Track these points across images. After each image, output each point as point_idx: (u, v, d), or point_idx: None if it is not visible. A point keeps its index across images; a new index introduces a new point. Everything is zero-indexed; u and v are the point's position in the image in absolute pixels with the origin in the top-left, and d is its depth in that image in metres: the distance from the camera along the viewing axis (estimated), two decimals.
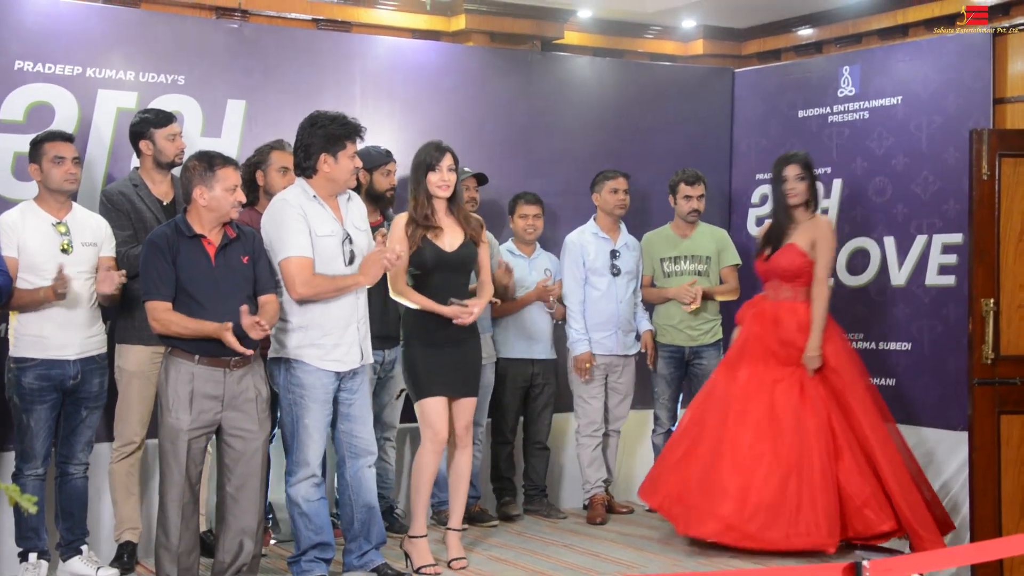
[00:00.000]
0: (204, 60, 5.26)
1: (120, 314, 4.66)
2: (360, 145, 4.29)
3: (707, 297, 5.63)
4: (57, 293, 4.18)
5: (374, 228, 4.54)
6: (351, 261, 4.23)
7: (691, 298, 5.51)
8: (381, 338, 4.76)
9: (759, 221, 6.29)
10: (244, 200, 4.10)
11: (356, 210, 4.37)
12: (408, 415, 5.08)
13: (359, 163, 4.26)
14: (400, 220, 4.47)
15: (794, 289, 4.83)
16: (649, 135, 6.36)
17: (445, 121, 5.78)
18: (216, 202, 4.04)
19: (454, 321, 4.40)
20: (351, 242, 4.24)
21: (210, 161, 4.07)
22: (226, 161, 4.08)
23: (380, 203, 5.08)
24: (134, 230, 4.63)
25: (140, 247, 4.44)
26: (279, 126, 5.24)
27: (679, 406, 5.81)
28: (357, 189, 4.60)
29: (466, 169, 5.34)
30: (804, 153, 5.11)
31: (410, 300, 4.46)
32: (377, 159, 5.10)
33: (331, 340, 4.20)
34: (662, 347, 5.71)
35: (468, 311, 4.41)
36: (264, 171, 4.90)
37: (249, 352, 4.02)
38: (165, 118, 4.76)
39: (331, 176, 4.19)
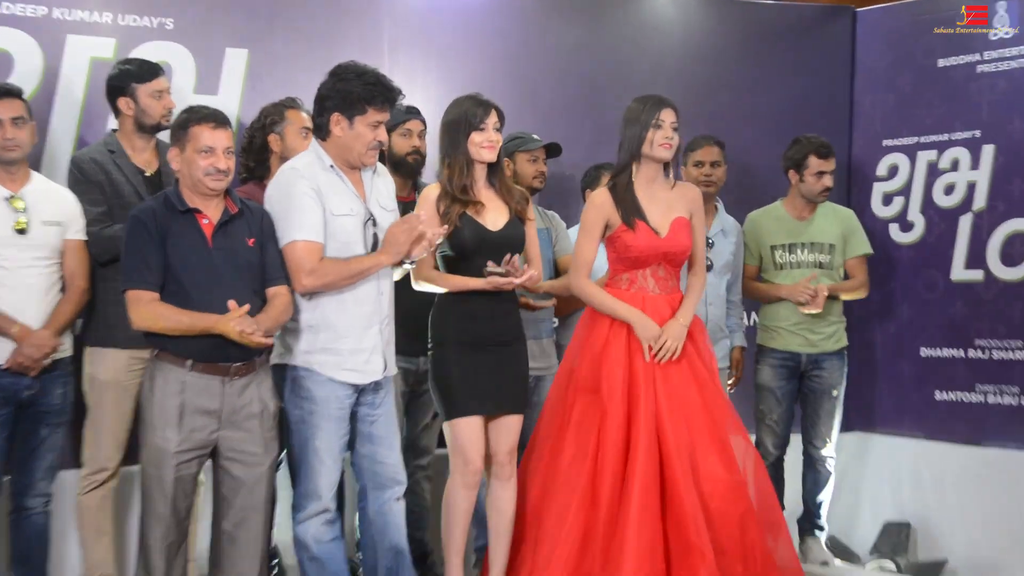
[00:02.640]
0: (198, 0, 5.32)
1: (91, 310, 4.66)
2: (386, 116, 4.26)
3: (831, 296, 5.62)
4: None
5: (404, 206, 4.56)
6: (375, 247, 4.24)
7: (810, 298, 5.49)
8: (414, 342, 4.77)
9: (886, 199, 6.31)
10: (223, 166, 4.07)
11: (383, 186, 4.39)
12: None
13: (383, 137, 4.23)
14: (431, 193, 4.47)
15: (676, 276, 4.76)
16: (748, 92, 6.37)
17: (491, 77, 5.83)
18: (187, 166, 4.06)
19: (491, 284, 4.34)
20: (375, 224, 4.25)
21: (186, 117, 4.09)
22: (203, 117, 4.08)
23: (402, 171, 5.05)
24: (109, 206, 4.65)
25: (116, 227, 4.53)
26: (289, 83, 5.29)
27: (789, 430, 5.80)
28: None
29: (535, 137, 5.37)
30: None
31: (436, 283, 4.45)
32: (394, 117, 4.98)
33: (347, 344, 4.21)
34: (770, 353, 5.72)
35: (515, 271, 4.34)
36: (281, 135, 4.93)
37: (266, 342, 4.01)
38: (150, 71, 4.79)
39: (343, 143, 4.20)
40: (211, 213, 4.10)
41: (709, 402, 4.55)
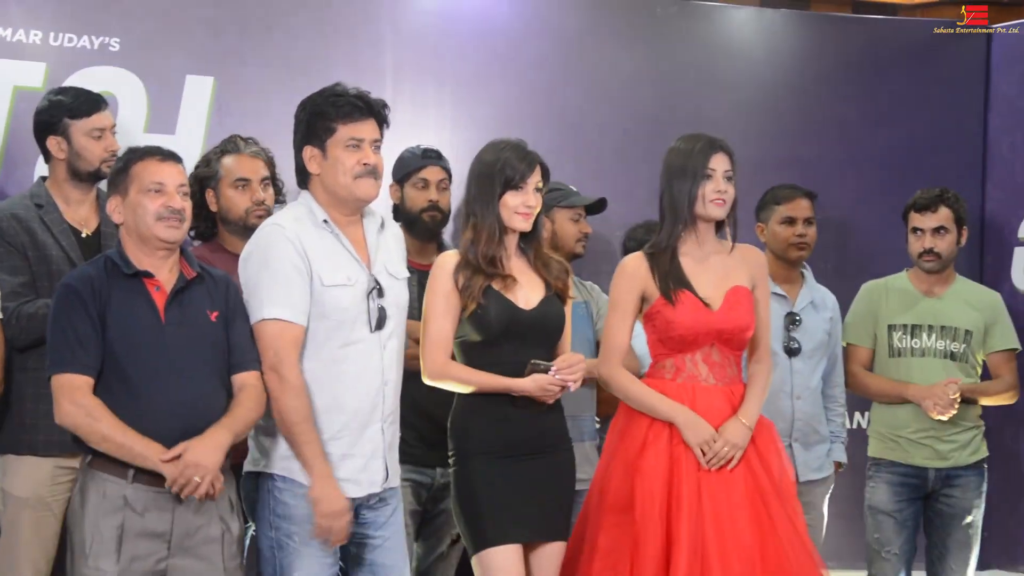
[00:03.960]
0: (150, 16, 5.38)
1: (4, 408, 4.65)
2: (372, 131, 4.25)
3: (967, 400, 5.58)
4: None
5: (421, 275, 4.59)
6: (380, 325, 4.23)
7: (948, 405, 5.48)
8: (429, 449, 4.77)
9: None
10: (176, 204, 4.06)
11: (393, 245, 4.41)
12: (467, 571, 4.80)
13: (371, 159, 4.21)
14: (446, 263, 4.49)
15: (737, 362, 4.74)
16: (848, 132, 6.39)
17: (521, 113, 5.89)
18: (132, 214, 4.06)
19: (538, 395, 4.35)
20: (380, 295, 4.25)
21: (126, 158, 4.11)
22: (146, 152, 4.11)
23: (416, 231, 5.07)
24: (32, 275, 4.65)
25: (39, 302, 4.52)
26: (266, 117, 5.34)
27: (911, 566, 5.71)
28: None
29: (573, 189, 5.39)
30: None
31: (459, 381, 4.43)
32: (408, 164, 5.17)
33: (339, 448, 4.19)
34: (888, 467, 5.68)
35: (568, 369, 4.35)
36: (215, 189, 4.96)
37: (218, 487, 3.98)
38: (88, 103, 4.80)
39: (325, 181, 4.23)
40: (164, 278, 4.08)
41: (777, 533, 4.47)
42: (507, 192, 4.43)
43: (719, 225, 4.61)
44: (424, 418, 4.66)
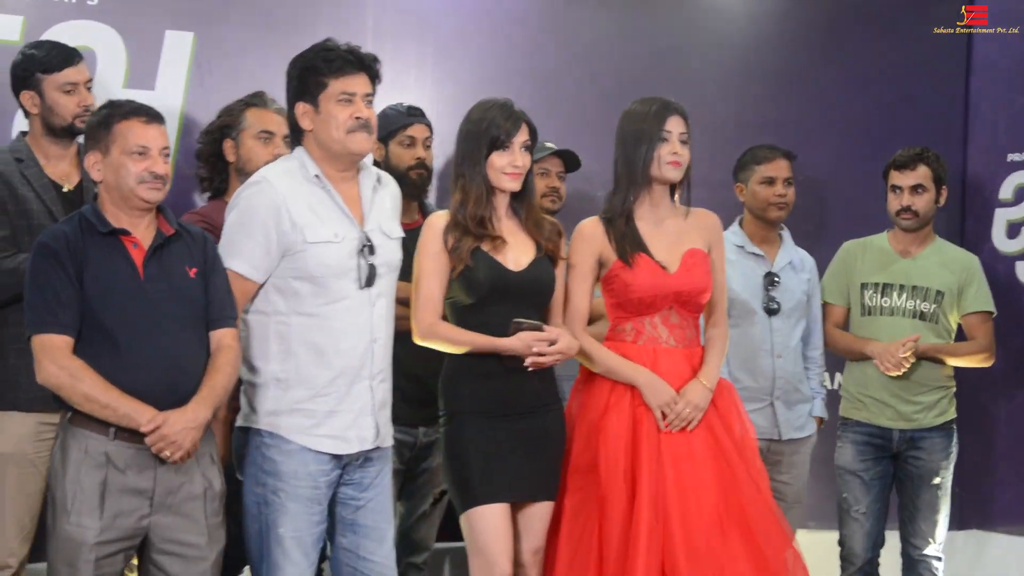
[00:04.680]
0: None
1: None
2: (364, 85, 4.26)
3: (933, 358, 5.64)
4: None
5: (408, 234, 4.57)
6: (369, 282, 4.24)
7: (897, 364, 5.55)
8: (412, 408, 4.83)
9: (1012, 229, 6.31)
10: (159, 170, 4.07)
11: (389, 202, 4.43)
12: (451, 530, 4.99)
13: (363, 112, 4.22)
14: (436, 223, 4.51)
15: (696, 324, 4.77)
16: (827, 93, 6.40)
17: (506, 70, 5.90)
18: (113, 174, 4.04)
19: (527, 362, 4.36)
20: (372, 252, 4.26)
21: (107, 113, 4.09)
22: (131, 111, 4.08)
23: (404, 189, 5.00)
24: (13, 229, 4.64)
25: (20, 256, 4.50)
26: (246, 74, 5.33)
27: (883, 525, 5.75)
28: None
29: (548, 145, 5.41)
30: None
31: (449, 341, 4.45)
32: (393, 121, 5.17)
33: (326, 404, 4.20)
34: (853, 427, 5.75)
35: (547, 337, 4.39)
36: (236, 140, 4.96)
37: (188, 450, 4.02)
38: (60, 57, 4.78)
39: (318, 137, 4.25)
40: (141, 235, 4.08)
41: (740, 492, 4.52)
42: (494, 152, 4.45)
43: (673, 190, 4.65)
44: (407, 378, 4.67)
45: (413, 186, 5.13)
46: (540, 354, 4.36)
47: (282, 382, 4.20)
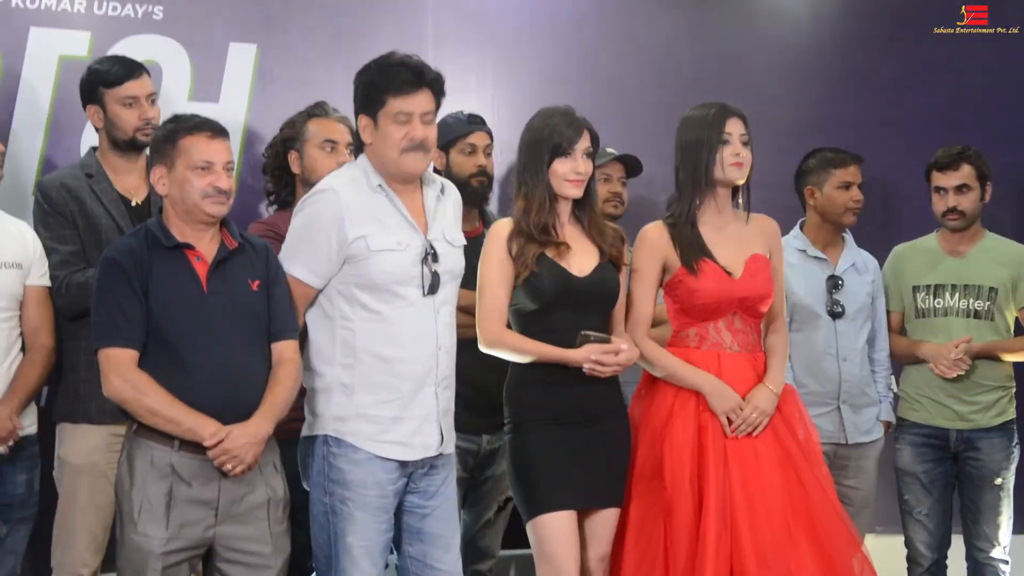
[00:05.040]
0: None
1: (58, 376, 4.71)
2: (423, 103, 4.24)
3: (989, 356, 5.59)
4: None
5: (470, 242, 4.58)
6: (432, 290, 4.26)
7: (950, 366, 5.53)
8: (475, 416, 4.86)
9: None
10: (223, 185, 4.09)
11: (452, 211, 4.44)
12: (516, 537, 5.04)
13: (420, 133, 4.21)
14: (500, 231, 4.51)
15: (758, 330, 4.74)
16: (890, 93, 6.35)
17: (566, 75, 5.90)
18: (178, 188, 4.07)
19: (586, 369, 4.38)
20: (435, 260, 4.28)
21: (172, 127, 4.12)
22: (196, 125, 4.11)
23: (465, 197, 4.98)
24: (82, 244, 4.69)
25: (89, 271, 4.53)
26: (308, 85, 5.37)
27: (948, 527, 5.71)
28: None
29: (609, 150, 5.43)
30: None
31: (514, 350, 4.46)
32: (454, 129, 5.17)
33: (391, 410, 4.22)
34: (912, 428, 5.71)
35: (613, 349, 4.39)
36: (300, 151, 4.97)
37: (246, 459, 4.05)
38: (121, 70, 4.83)
39: (376, 151, 4.26)
40: (205, 249, 4.11)
41: (808, 498, 4.49)
42: (556, 159, 4.44)
43: (734, 193, 4.64)
44: (470, 386, 4.66)
45: (474, 194, 5.13)
46: (601, 363, 4.36)
47: (347, 387, 4.21)
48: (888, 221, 6.10)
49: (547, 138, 4.44)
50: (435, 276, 4.25)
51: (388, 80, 4.18)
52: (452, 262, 4.33)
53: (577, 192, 4.47)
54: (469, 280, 4.48)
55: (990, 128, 6.30)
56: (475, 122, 5.21)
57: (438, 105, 4.27)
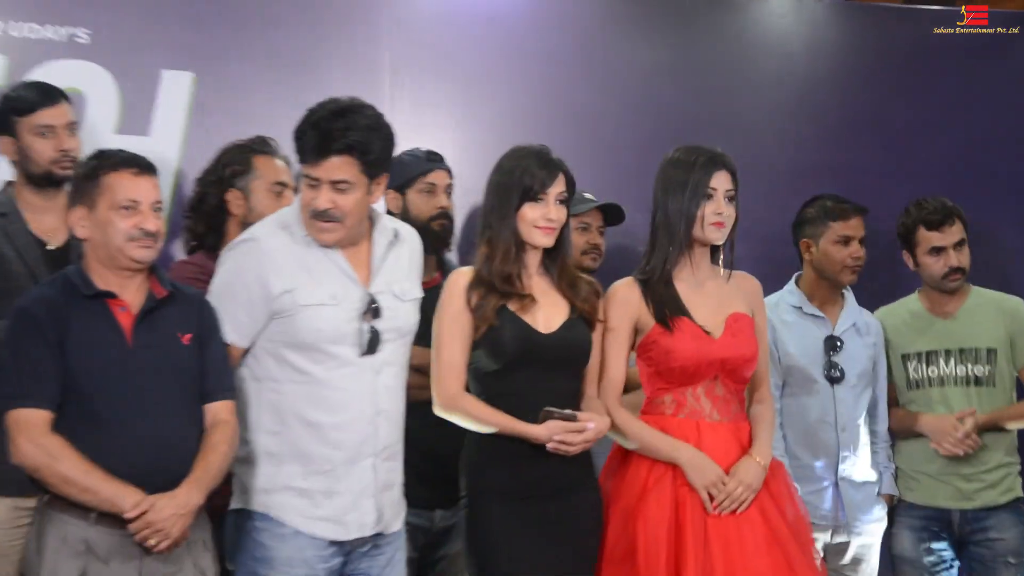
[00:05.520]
0: (123, 5, 5.41)
1: None
2: (331, 171, 4.19)
3: (994, 428, 5.58)
4: None
5: (427, 292, 4.58)
6: (371, 349, 4.24)
7: (956, 444, 5.49)
8: (428, 488, 4.83)
9: None
10: (150, 226, 4.07)
11: (407, 261, 4.44)
12: None
13: (322, 203, 4.18)
14: (458, 281, 4.49)
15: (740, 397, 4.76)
16: (899, 133, 6.41)
17: (537, 112, 5.91)
18: (100, 231, 4.05)
19: (548, 447, 4.35)
20: (378, 314, 4.26)
21: (95, 164, 4.11)
22: (120, 161, 4.09)
23: (425, 241, 4.97)
24: None
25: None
26: (252, 118, 5.37)
27: None
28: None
29: (588, 196, 5.44)
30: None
31: (472, 417, 4.42)
32: (411, 168, 5.17)
33: (322, 483, 4.21)
34: (909, 510, 5.68)
35: (579, 427, 4.35)
36: (245, 192, 4.94)
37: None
38: (35, 97, 4.84)
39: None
40: (130, 298, 4.09)
41: None
42: (526, 203, 4.43)
43: (714, 250, 4.64)
44: (423, 455, 4.66)
45: (436, 238, 5.13)
46: (566, 443, 4.33)
47: (274, 456, 4.20)
48: (896, 279, 6.09)
49: (517, 180, 4.43)
50: (374, 334, 4.24)
51: (300, 139, 4.21)
52: (399, 318, 4.32)
53: (547, 241, 4.46)
54: (424, 336, 4.46)
55: (1012, 177, 6.43)
56: (434, 159, 5.20)
57: (361, 173, 4.19)
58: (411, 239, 4.48)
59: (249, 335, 4.20)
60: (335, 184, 4.17)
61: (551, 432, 4.32)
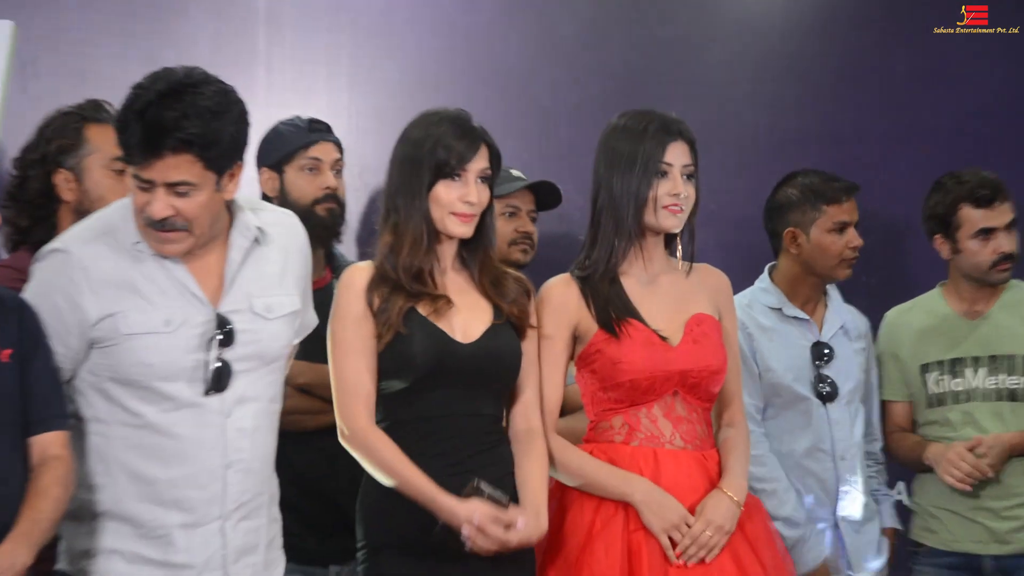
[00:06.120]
0: None
1: None
2: (164, 171, 3.97)
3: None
4: None
5: (317, 293, 4.51)
6: (218, 386, 4.06)
7: (961, 477, 5.42)
8: (325, 536, 4.87)
9: None
10: None
11: (277, 264, 4.26)
12: None
13: (157, 211, 3.93)
14: (354, 279, 4.37)
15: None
16: (897, 95, 6.39)
17: (453, 71, 6.00)
18: None
19: (464, 531, 4.21)
20: (230, 340, 4.06)
21: None
22: None
23: (308, 230, 4.79)
24: None
25: None
26: (95, 80, 5.36)
27: None
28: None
29: (515, 174, 5.43)
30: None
31: (378, 464, 4.30)
32: (289, 140, 5.14)
33: (156, 550, 4.07)
34: (932, 557, 5.63)
35: (505, 520, 4.20)
36: (76, 171, 4.73)
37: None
38: None
39: None
40: None
41: None
42: (440, 182, 4.33)
43: (670, 238, 4.59)
44: (311, 497, 4.70)
45: (322, 226, 5.06)
46: (484, 532, 4.20)
47: (105, 515, 4.05)
48: (898, 270, 6.21)
49: (429, 153, 4.34)
50: (223, 366, 4.06)
51: (122, 131, 4.01)
52: (262, 342, 4.15)
53: (466, 230, 4.37)
54: (313, 350, 4.39)
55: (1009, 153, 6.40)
56: (318, 130, 5.18)
57: (214, 166, 3.97)
58: (287, 235, 4.30)
59: (67, 367, 4.05)
60: (173, 187, 3.93)
61: (470, 515, 4.18)
